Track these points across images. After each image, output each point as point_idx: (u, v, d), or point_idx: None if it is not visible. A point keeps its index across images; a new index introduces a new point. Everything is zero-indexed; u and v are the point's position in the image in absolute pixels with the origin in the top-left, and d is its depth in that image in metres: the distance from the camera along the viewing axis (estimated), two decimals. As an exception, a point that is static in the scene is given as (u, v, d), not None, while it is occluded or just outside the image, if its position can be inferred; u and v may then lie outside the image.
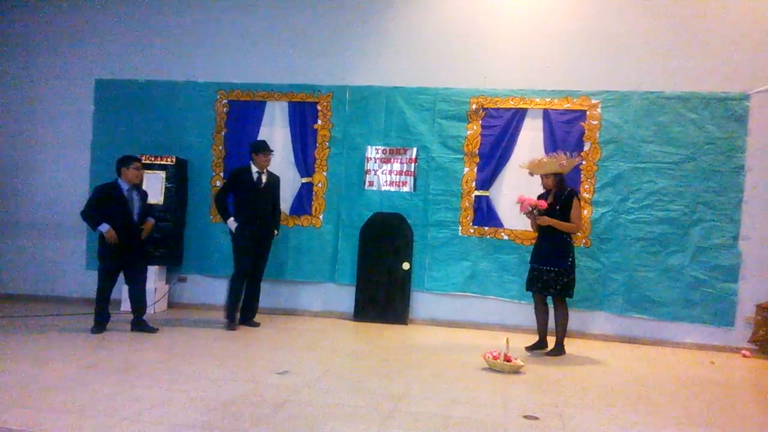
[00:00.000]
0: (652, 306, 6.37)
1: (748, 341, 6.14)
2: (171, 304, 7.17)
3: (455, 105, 6.83)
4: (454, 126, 6.83)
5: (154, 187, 6.73)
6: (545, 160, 5.64)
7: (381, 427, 3.25)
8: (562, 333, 5.49)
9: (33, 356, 4.57)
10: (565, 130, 6.59)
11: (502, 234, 6.71)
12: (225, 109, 7.25)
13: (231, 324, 5.99)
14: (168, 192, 6.92)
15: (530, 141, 6.65)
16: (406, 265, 6.83)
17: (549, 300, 5.59)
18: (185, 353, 4.91)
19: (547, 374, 4.77)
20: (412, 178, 6.91)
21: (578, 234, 6.19)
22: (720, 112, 6.30)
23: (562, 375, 4.78)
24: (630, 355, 5.81)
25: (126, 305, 6.06)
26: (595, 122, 6.53)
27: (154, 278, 6.70)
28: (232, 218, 6.01)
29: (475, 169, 6.78)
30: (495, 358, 4.74)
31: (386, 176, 6.96)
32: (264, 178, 6.14)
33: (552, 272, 5.37)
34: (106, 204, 5.52)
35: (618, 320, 6.47)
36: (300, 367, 4.56)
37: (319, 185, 7.08)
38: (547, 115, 6.64)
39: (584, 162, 6.51)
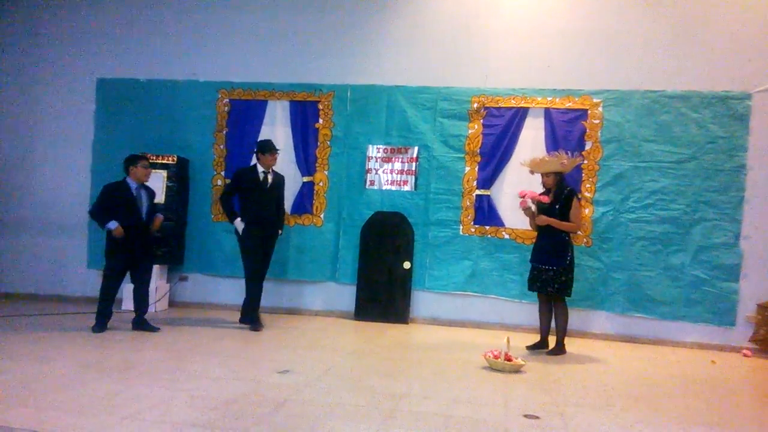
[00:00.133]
0: (653, 305, 6.37)
1: (749, 340, 6.15)
2: (172, 303, 7.18)
3: (456, 104, 6.83)
4: (456, 125, 6.83)
5: (156, 186, 6.68)
6: (546, 158, 5.64)
7: (382, 426, 3.25)
8: (562, 332, 5.49)
9: (34, 355, 4.57)
10: (566, 129, 6.59)
11: (503, 233, 6.71)
12: (226, 108, 7.25)
13: (255, 325, 5.95)
14: (169, 191, 6.93)
15: (531, 140, 6.65)
16: (407, 264, 6.84)
17: (553, 300, 5.60)
18: (186, 352, 4.91)
19: (547, 373, 4.77)
20: (413, 177, 6.91)
21: (579, 233, 6.19)
22: (721, 111, 6.30)
23: (562, 374, 4.78)
24: (631, 355, 5.81)
25: (127, 304, 6.07)
26: (597, 121, 6.53)
27: (155, 277, 6.69)
28: (239, 219, 5.95)
29: (476, 168, 6.78)
30: (496, 357, 4.74)
31: (387, 175, 6.96)
32: (270, 178, 6.09)
33: (551, 271, 5.38)
34: (116, 202, 5.55)
35: (619, 319, 6.48)
36: (301, 366, 4.56)
37: (321, 184, 7.08)
38: (548, 114, 6.64)
39: (586, 161, 6.51)
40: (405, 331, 6.40)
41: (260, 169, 6.06)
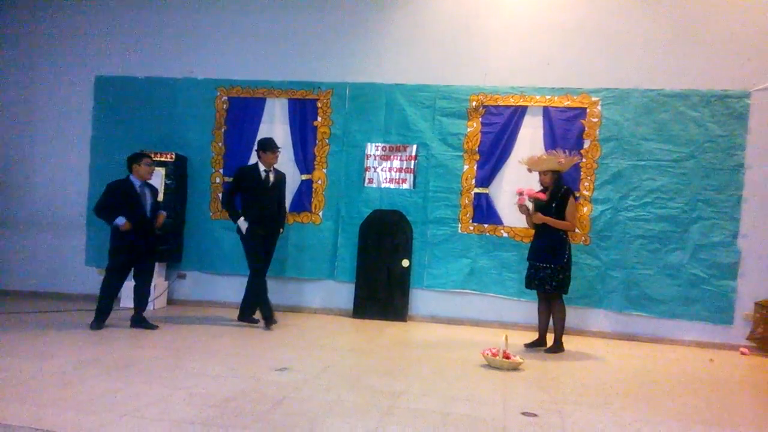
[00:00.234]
0: (651, 303, 6.38)
1: (747, 339, 6.16)
2: (170, 301, 7.18)
3: (455, 102, 6.83)
4: (454, 123, 6.83)
5: (154, 183, 6.69)
6: (544, 157, 5.65)
7: (380, 424, 3.26)
8: (560, 330, 5.50)
9: (32, 352, 4.57)
10: (565, 127, 6.59)
11: (502, 231, 6.71)
12: (225, 105, 7.24)
13: (269, 322, 5.93)
14: (168, 189, 6.92)
15: (530, 138, 6.65)
16: (405, 262, 6.84)
17: (552, 298, 5.61)
18: (185, 350, 4.91)
19: (546, 371, 4.78)
20: (412, 175, 6.91)
21: (577, 231, 6.20)
22: (720, 110, 6.30)
23: (561, 372, 4.79)
24: (629, 353, 5.82)
25: (125, 302, 6.07)
26: (595, 120, 6.53)
27: (154, 275, 6.68)
28: (242, 218, 5.90)
29: (475, 167, 6.78)
30: (494, 355, 4.75)
31: (386, 173, 6.96)
32: (272, 177, 6.06)
33: (548, 269, 5.39)
34: (121, 200, 5.56)
35: (617, 317, 6.49)
36: (300, 363, 4.57)
37: (319, 182, 7.08)
38: (547, 112, 6.64)
39: (584, 159, 6.52)
40: (403, 329, 6.40)
41: (262, 167, 6.02)
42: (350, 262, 6.97)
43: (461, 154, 6.81)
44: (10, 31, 7.70)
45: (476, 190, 6.78)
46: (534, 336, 5.67)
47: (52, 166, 7.54)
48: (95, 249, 7.24)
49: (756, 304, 6.13)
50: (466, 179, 6.80)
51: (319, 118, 7.09)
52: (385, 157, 6.96)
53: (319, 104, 7.09)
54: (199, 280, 7.27)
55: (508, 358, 4.72)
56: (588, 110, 6.55)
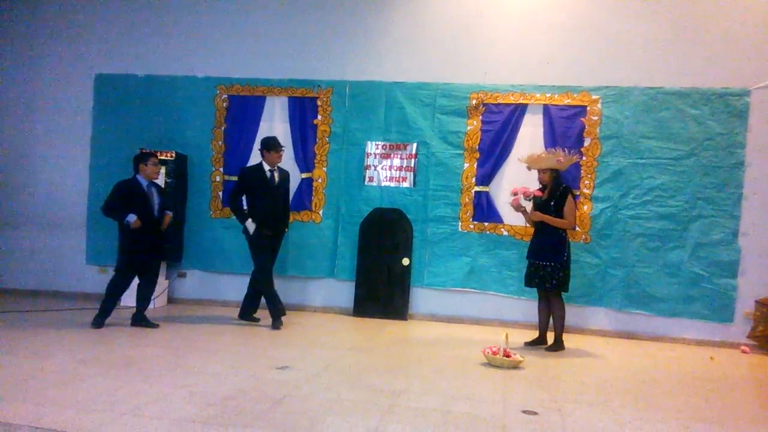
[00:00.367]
0: (652, 302, 6.38)
1: (747, 337, 6.16)
2: (170, 300, 7.18)
3: (455, 100, 6.82)
4: (454, 121, 6.83)
5: (154, 182, 6.74)
6: (543, 155, 5.65)
7: (380, 422, 3.26)
8: (560, 328, 5.50)
9: (32, 351, 4.57)
10: (565, 125, 6.59)
11: (502, 230, 6.71)
12: (225, 104, 7.24)
13: (277, 322, 5.92)
14: (168, 187, 6.89)
15: (530, 136, 6.65)
16: (405, 261, 6.84)
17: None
18: (185, 348, 4.91)
19: (546, 370, 4.78)
20: (412, 173, 6.91)
21: (577, 229, 6.20)
22: (720, 108, 6.30)
23: (561, 370, 4.79)
24: (629, 351, 5.82)
25: (126, 300, 6.06)
26: (596, 118, 6.53)
27: (154, 274, 6.70)
28: (250, 219, 5.85)
29: (475, 165, 6.78)
30: (494, 353, 4.75)
31: (386, 172, 6.95)
32: (276, 176, 6.03)
33: (548, 267, 5.39)
34: (129, 199, 5.57)
35: (617, 316, 6.49)
36: (300, 362, 4.57)
37: (319, 181, 7.08)
38: (547, 110, 6.64)
39: (584, 157, 6.51)
40: (404, 328, 6.40)
41: (266, 167, 5.98)
42: (350, 261, 6.97)
43: (461, 152, 6.81)
44: (9, 29, 7.70)
45: (476, 189, 6.78)
46: (534, 334, 5.68)
47: (52, 165, 7.54)
48: (95, 248, 7.25)
49: (756, 302, 6.13)
50: (467, 177, 6.79)
51: (319, 117, 7.09)
52: (385, 156, 6.95)
53: (319, 102, 7.08)
54: (199, 279, 7.27)
55: (508, 356, 4.72)
56: (588, 108, 6.55)
